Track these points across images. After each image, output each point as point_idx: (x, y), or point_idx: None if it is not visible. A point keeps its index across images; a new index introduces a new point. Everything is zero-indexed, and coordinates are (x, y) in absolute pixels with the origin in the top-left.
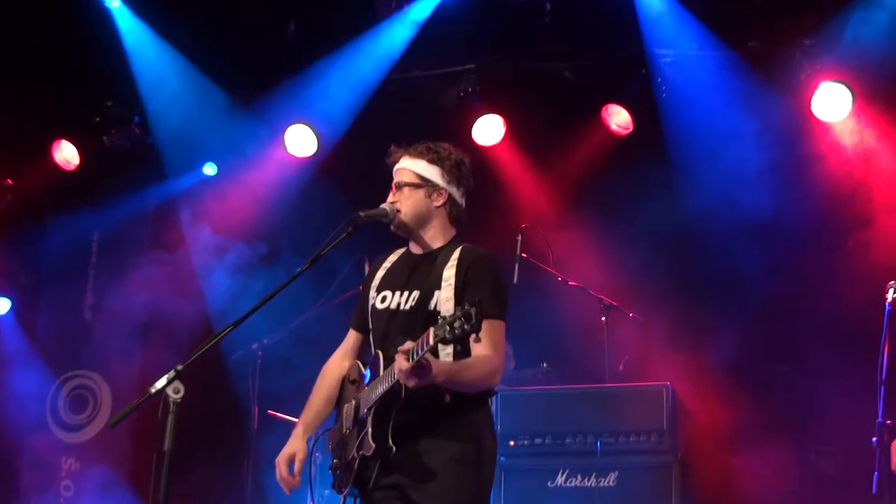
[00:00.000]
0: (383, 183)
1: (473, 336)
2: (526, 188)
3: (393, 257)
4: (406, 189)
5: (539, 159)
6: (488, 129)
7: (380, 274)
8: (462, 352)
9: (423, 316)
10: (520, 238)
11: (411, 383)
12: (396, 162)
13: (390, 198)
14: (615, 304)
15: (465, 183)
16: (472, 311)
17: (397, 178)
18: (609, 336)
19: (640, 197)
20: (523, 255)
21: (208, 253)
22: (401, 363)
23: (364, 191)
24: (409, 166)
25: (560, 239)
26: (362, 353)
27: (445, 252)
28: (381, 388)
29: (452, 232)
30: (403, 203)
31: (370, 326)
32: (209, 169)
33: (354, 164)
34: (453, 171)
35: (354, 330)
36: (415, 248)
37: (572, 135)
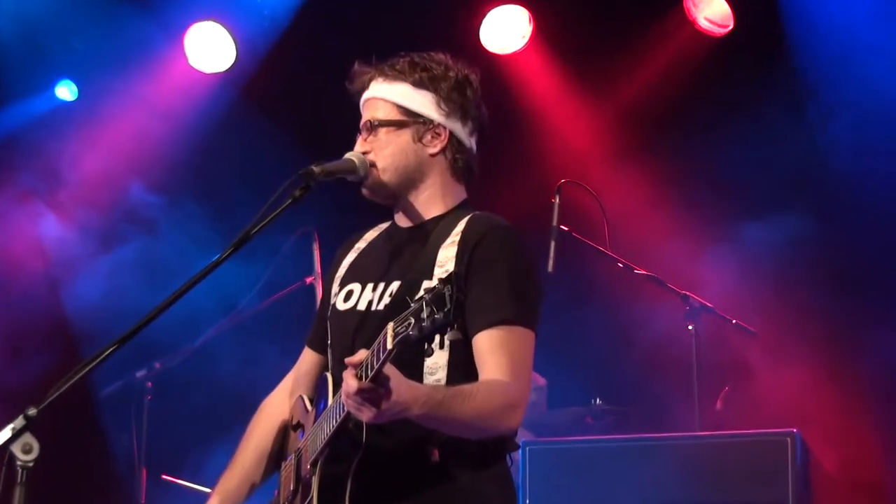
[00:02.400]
0: (345, 118)
1: (449, 332)
2: (565, 122)
3: (369, 235)
4: (382, 131)
5: (585, 75)
6: (505, 29)
7: (347, 260)
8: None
9: None
10: (557, 200)
11: (366, 416)
12: (364, 87)
13: (359, 145)
14: (708, 304)
15: (475, 114)
16: (445, 289)
17: (367, 113)
18: (699, 355)
19: (744, 135)
20: (562, 226)
21: (65, 221)
22: (348, 383)
23: (315, 130)
24: (385, 94)
25: (620, 202)
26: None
27: (446, 223)
28: (327, 429)
29: (459, 192)
30: (379, 152)
31: (330, 333)
32: (64, 91)
33: (297, 87)
34: (454, 97)
35: (310, 349)
36: (401, 220)
37: (637, 37)
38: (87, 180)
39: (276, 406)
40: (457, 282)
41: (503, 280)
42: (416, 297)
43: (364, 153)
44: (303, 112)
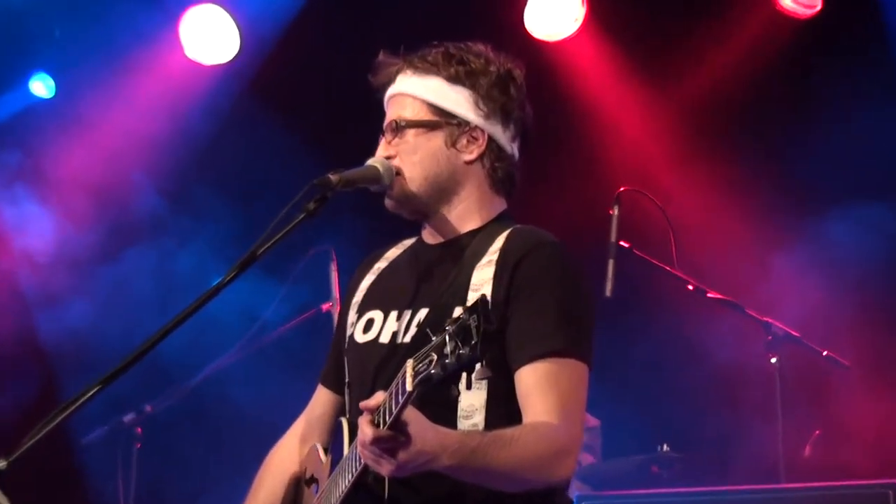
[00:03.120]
0: (368, 117)
1: (477, 370)
2: (624, 120)
3: (392, 254)
4: (410, 132)
5: (647, 66)
6: (554, 11)
7: (366, 283)
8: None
9: None
10: (615, 212)
11: (385, 469)
12: (390, 81)
13: (382, 149)
14: (794, 333)
15: (519, 115)
16: (471, 319)
17: (392, 111)
18: (784, 392)
19: (830, 132)
20: (622, 242)
21: (42, 235)
22: (364, 431)
23: (332, 131)
24: (415, 89)
25: (689, 213)
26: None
27: (481, 239)
28: (342, 485)
29: (497, 205)
30: (407, 157)
31: (346, 378)
32: (39, 86)
33: (310, 81)
34: (495, 95)
35: (325, 387)
36: (429, 236)
37: (707, 20)
38: (70, 186)
39: (287, 455)
40: (484, 310)
41: (551, 305)
42: (440, 331)
43: (388, 158)
44: (318, 110)
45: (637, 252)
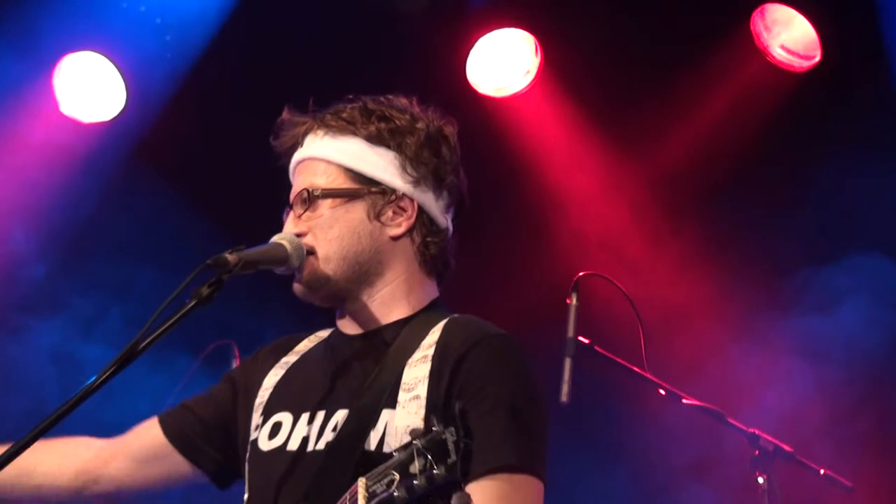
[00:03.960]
0: (274, 187)
1: (458, 495)
2: (585, 190)
3: (302, 347)
4: (325, 204)
5: (612, 126)
6: (502, 62)
7: (271, 380)
8: None
9: (349, 462)
10: (574, 301)
11: None
12: (297, 144)
13: (290, 224)
14: (786, 447)
15: (453, 181)
16: (447, 434)
17: (302, 179)
18: None
19: (836, 201)
20: (581, 338)
21: None
22: None
23: (231, 203)
24: (329, 153)
25: (663, 304)
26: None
27: (411, 330)
28: None
29: (429, 289)
30: (321, 233)
31: (248, 480)
32: None
33: (210, 143)
34: (425, 157)
35: (162, 431)
36: (347, 326)
37: (683, 74)
38: None
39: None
40: (464, 422)
41: (500, 411)
42: (402, 444)
43: (298, 235)
44: (217, 177)
45: (598, 349)
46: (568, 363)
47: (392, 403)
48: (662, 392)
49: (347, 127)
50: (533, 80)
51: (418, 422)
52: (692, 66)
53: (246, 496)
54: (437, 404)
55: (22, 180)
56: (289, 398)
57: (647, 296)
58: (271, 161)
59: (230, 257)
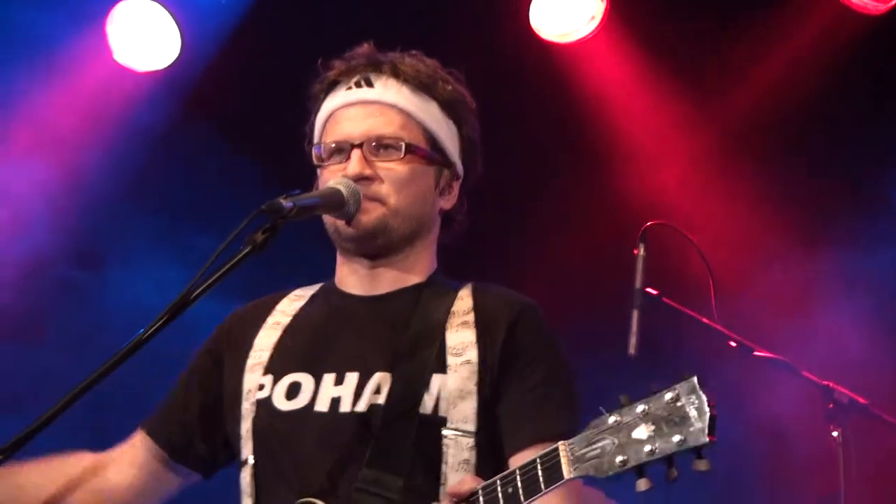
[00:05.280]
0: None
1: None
2: (651, 138)
3: (287, 306)
4: (405, 159)
5: (681, 73)
6: (567, 8)
7: (267, 339)
8: None
9: (410, 426)
10: (641, 252)
11: None
12: (362, 79)
13: (357, 164)
14: (861, 400)
15: (476, 164)
16: (687, 399)
17: (373, 122)
18: (847, 472)
19: None
20: (649, 289)
21: None
22: None
23: (283, 151)
24: (413, 107)
25: (733, 255)
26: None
27: (431, 295)
28: None
29: (435, 259)
30: (398, 187)
31: (248, 453)
32: None
33: (263, 93)
34: (475, 140)
35: (151, 438)
36: (356, 285)
37: (755, 19)
38: None
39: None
40: (708, 388)
41: (554, 381)
42: (632, 405)
43: (367, 178)
44: (271, 125)
45: (667, 300)
46: (636, 315)
47: (442, 368)
48: (733, 344)
49: (426, 85)
50: (598, 25)
51: (471, 386)
52: (764, 9)
53: (251, 457)
54: (491, 369)
55: (76, 128)
56: (301, 358)
57: (717, 245)
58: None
59: (285, 203)
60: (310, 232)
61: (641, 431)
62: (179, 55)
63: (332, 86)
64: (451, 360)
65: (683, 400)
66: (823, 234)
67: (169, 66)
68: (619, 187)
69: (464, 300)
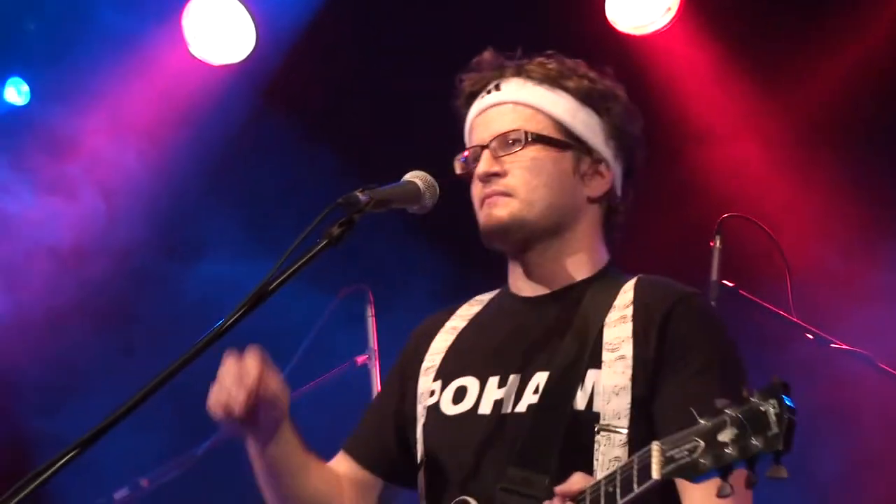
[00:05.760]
0: (405, 127)
1: (773, 468)
2: (730, 131)
3: (466, 311)
4: (533, 149)
5: (758, 63)
6: (640, 0)
7: (441, 344)
8: None
9: (559, 423)
10: (717, 244)
11: None
12: (482, 89)
13: (486, 163)
14: None
15: (634, 154)
16: (769, 405)
17: (503, 122)
18: None
19: None
20: (726, 281)
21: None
22: None
23: (361, 145)
24: (540, 102)
25: (810, 248)
26: None
27: (598, 290)
28: None
29: (603, 253)
30: (528, 177)
31: (421, 456)
32: (12, 92)
33: (341, 84)
34: (627, 127)
35: (349, 457)
36: (526, 286)
37: (834, 8)
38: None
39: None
40: (787, 394)
41: (709, 372)
42: (710, 410)
43: (496, 175)
44: (347, 118)
45: (743, 293)
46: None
47: (597, 363)
48: (810, 336)
49: (555, 80)
50: (674, 16)
51: (626, 381)
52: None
53: (422, 461)
54: (645, 364)
55: (152, 122)
56: (469, 362)
57: (794, 238)
58: (409, 101)
59: (361, 196)
60: None
61: (726, 435)
62: (255, 48)
63: (470, 98)
64: (606, 355)
65: (767, 405)
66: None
67: (244, 60)
68: (696, 179)
69: (626, 294)
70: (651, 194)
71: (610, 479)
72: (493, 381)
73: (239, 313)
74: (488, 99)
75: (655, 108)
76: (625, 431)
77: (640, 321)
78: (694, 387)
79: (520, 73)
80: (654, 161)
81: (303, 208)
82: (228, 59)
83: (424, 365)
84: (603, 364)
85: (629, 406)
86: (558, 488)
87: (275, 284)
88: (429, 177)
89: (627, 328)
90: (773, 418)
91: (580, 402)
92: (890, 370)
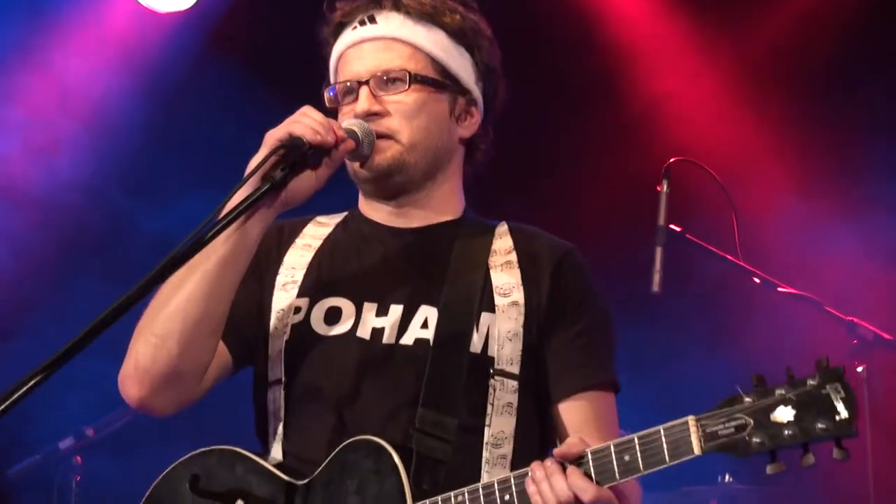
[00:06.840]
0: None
1: (836, 452)
2: (677, 76)
3: (315, 231)
4: (413, 91)
5: (705, 8)
6: None
7: (300, 260)
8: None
9: (460, 364)
10: (664, 189)
11: None
12: (364, 18)
13: (365, 101)
14: (886, 336)
15: (497, 91)
16: (831, 388)
17: (379, 58)
18: (873, 405)
19: None
20: (673, 226)
21: None
22: (578, 485)
23: (305, 91)
24: (419, 39)
25: (756, 191)
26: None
27: (468, 232)
28: None
29: (462, 193)
30: (408, 120)
31: (280, 374)
32: None
33: (283, 29)
34: (493, 63)
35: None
36: (388, 218)
37: None
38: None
39: None
40: (844, 380)
41: (599, 328)
42: (769, 388)
43: (376, 114)
44: (290, 64)
45: (690, 237)
46: (659, 252)
47: (490, 307)
48: (757, 280)
49: (432, 16)
50: None
51: (518, 328)
52: None
53: (283, 377)
54: (537, 312)
55: (98, 70)
56: (337, 284)
57: (740, 182)
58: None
59: (303, 140)
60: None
61: (782, 415)
62: None
63: (339, 27)
64: (498, 299)
65: (829, 388)
66: (850, 169)
67: (190, 7)
68: (642, 123)
69: (503, 239)
70: (597, 139)
71: (622, 446)
72: (371, 307)
73: (174, 257)
74: (362, 31)
75: (602, 52)
76: (516, 378)
77: (529, 269)
78: (587, 339)
79: (397, 6)
80: (602, 105)
81: (250, 153)
82: (174, 6)
83: (280, 279)
84: (497, 308)
85: (521, 352)
86: (556, 451)
87: (215, 229)
88: (366, 124)
89: (516, 274)
90: (839, 403)
91: (476, 345)
92: (837, 314)
